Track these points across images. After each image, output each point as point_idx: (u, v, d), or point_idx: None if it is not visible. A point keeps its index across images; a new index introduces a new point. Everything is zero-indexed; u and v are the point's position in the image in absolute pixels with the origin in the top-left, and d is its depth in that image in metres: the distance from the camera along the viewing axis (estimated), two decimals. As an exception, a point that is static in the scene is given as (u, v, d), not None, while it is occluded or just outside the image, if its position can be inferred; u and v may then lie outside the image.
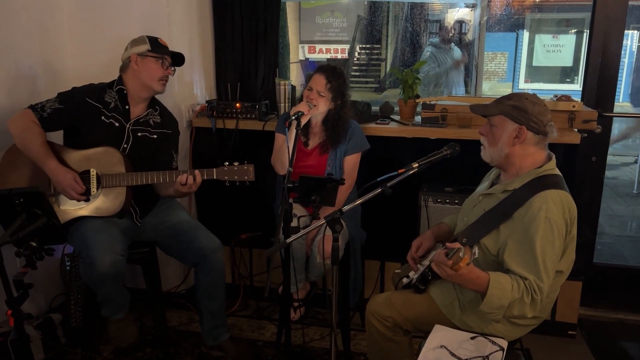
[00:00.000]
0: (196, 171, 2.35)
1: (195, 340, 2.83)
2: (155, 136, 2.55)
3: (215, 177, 2.36)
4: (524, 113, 1.83)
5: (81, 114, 2.41)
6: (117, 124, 2.45)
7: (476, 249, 1.62)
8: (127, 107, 2.48)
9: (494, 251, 1.83)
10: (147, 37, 2.47)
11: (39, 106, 2.38)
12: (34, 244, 1.79)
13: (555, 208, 1.74)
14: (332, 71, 2.65)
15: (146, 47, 2.43)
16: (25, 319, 2.62)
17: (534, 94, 1.91)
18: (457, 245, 1.65)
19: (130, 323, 2.65)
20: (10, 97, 2.68)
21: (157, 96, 2.60)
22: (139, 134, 2.50)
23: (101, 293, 2.39)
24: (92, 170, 2.37)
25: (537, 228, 1.72)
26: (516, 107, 1.84)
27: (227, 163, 2.37)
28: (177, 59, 2.55)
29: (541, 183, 1.81)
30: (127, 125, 2.47)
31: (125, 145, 2.46)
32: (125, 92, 2.48)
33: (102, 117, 2.43)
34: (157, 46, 2.46)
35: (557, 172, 1.88)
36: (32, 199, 1.83)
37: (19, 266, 1.85)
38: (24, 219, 1.81)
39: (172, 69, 2.53)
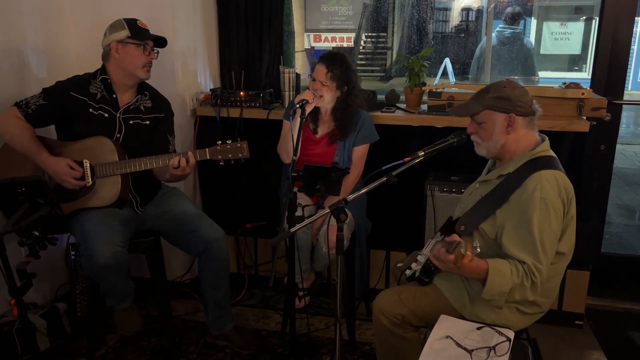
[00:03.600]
0: (189, 153, 2.30)
1: (200, 329, 2.83)
2: (147, 122, 2.49)
3: (208, 157, 2.31)
4: (508, 101, 1.84)
5: (67, 109, 2.36)
6: (106, 115, 2.40)
7: (477, 243, 1.61)
8: (114, 96, 2.42)
9: (492, 234, 1.84)
10: (125, 20, 2.37)
11: (23, 103, 2.34)
12: (37, 234, 1.78)
13: (550, 188, 1.75)
14: (332, 58, 2.60)
15: (125, 33, 2.33)
16: (29, 308, 2.63)
17: (507, 79, 1.91)
18: (455, 238, 1.65)
19: (135, 312, 2.64)
20: (14, 82, 2.67)
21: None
22: (131, 122, 2.44)
23: (103, 284, 2.38)
24: (85, 161, 2.33)
25: (533, 209, 1.73)
26: (498, 97, 1.84)
27: (220, 142, 2.30)
28: (159, 40, 2.45)
29: (535, 164, 1.82)
30: (118, 115, 2.42)
31: (118, 135, 2.41)
32: (109, 81, 2.41)
33: (90, 110, 2.37)
34: (137, 31, 2.36)
35: (551, 153, 1.89)
36: (34, 188, 1.82)
37: (23, 255, 1.84)
38: (27, 208, 1.80)
39: (155, 52, 2.44)
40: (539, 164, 1.81)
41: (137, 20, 2.40)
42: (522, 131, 1.87)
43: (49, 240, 1.84)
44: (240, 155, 2.31)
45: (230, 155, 2.30)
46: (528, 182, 1.77)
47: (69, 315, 2.76)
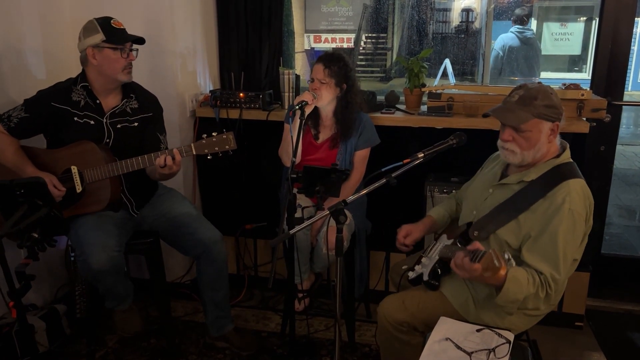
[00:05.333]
0: (174, 150, 2.23)
1: (200, 330, 2.83)
2: (136, 124, 2.43)
3: (195, 153, 2.23)
4: (556, 109, 1.77)
5: (50, 120, 2.31)
6: (92, 122, 2.34)
7: (508, 254, 1.57)
8: (97, 101, 2.36)
9: (516, 245, 1.80)
10: (98, 21, 2.26)
11: (5, 116, 2.30)
12: (36, 235, 1.78)
13: (578, 198, 1.72)
14: (329, 57, 2.61)
15: (100, 36, 2.23)
16: (28, 310, 2.63)
17: (540, 83, 1.85)
18: (477, 246, 1.62)
19: (135, 313, 2.65)
20: (13, 84, 2.67)
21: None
22: (119, 126, 2.39)
23: (101, 287, 2.38)
24: (73, 167, 2.29)
25: (560, 220, 1.70)
26: (548, 105, 1.76)
27: (205, 135, 2.21)
28: (137, 38, 2.34)
29: (559, 173, 1.77)
30: (104, 120, 2.36)
31: (107, 140, 2.36)
32: (90, 87, 2.34)
33: (75, 118, 2.32)
34: (112, 34, 2.25)
35: (570, 159, 1.86)
36: (33, 190, 1.82)
37: (22, 257, 1.84)
38: (26, 210, 1.80)
39: (135, 51, 2.34)
40: (563, 172, 1.77)
41: (112, 19, 2.30)
42: (554, 137, 1.83)
43: (48, 242, 1.84)
44: (227, 147, 2.22)
45: (217, 148, 2.22)
46: (557, 193, 1.73)
47: (69, 317, 2.76)
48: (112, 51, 2.27)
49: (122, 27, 2.32)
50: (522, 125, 1.77)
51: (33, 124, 2.33)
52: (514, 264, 1.56)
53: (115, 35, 2.27)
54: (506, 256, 1.55)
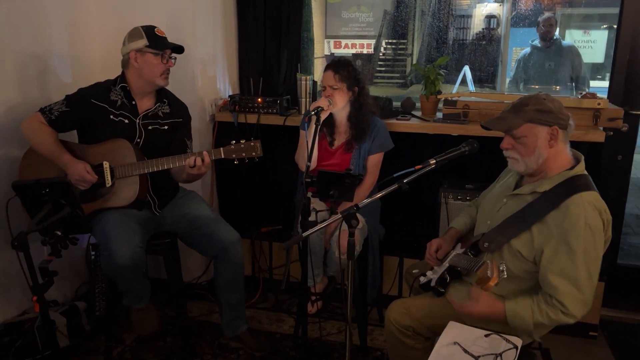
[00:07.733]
0: (204, 152, 2.33)
1: (215, 330, 2.88)
2: (166, 127, 2.55)
3: (223, 157, 2.34)
4: (550, 113, 1.77)
5: (88, 116, 2.43)
6: (126, 121, 2.46)
7: (504, 267, 1.59)
8: (133, 102, 2.48)
9: (530, 257, 1.80)
10: (143, 28, 2.41)
11: (47, 109, 2.42)
12: (59, 233, 1.85)
13: (593, 211, 1.71)
14: (337, 63, 2.66)
15: (143, 42, 2.38)
16: (50, 305, 2.71)
17: (539, 92, 1.85)
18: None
19: (152, 312, 2.70)
20: (40, 86, 2.77)
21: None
22: (150, 127, 2.50)
23: (121, 284, 2.44)
24: (105, 162, 2.39)
25: (577, 237, 1.69)
26: (540, 110, 1.77)
27: (234, 141, 2.34)
28: (177, 47, 2.49)
29: (573, 185, 1.76)
30: (137, 120, 2.48)
31: (138, 140, 2.47)
32: (128, 88, 2.47)
33: (111, 116, 2.44)
34: (155, 40, 2.41)
35: (585, 172, 1.84)
36: (58, 189, 1.90)
37: (45, 254, 1.91)
38: (50, 209, 1.87)
39: (173, 59, 2.49)
40: (577, 184, 1.76)
41: (155, 27, 2.45)
42: (561, 145, 1.82)
43: (71, 239, 1.90)
44: (253, 154, 2.33)
45: (244, 154, 2.33)
46: (571, 206, 1.71)
47: (88, 314, 2.83)
48: (153, 56, 2.40)
49: (164, 35, 2.47)
50: (515, 131, 1.80)
51: (72, 118, 2.44)
52: (505, 275, 1.58)
53: (157, 42, 2.41)
54: (501, 267, 1.57)
